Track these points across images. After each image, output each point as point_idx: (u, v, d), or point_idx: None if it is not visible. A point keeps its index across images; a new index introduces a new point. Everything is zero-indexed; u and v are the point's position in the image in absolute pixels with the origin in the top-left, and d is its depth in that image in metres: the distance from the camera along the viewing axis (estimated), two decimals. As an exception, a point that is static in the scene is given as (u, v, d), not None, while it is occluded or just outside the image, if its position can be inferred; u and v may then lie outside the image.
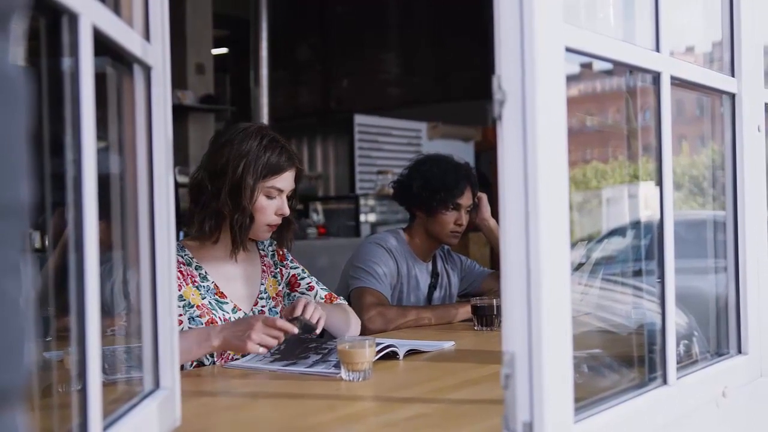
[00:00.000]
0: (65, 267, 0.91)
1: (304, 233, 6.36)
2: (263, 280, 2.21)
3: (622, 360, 1.54)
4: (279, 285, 2.24)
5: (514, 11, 1.04)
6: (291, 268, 2.29)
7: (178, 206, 2.86)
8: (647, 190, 1.48)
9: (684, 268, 1.44)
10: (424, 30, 9.31)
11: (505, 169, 1.06)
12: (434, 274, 2.88)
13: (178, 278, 2.00)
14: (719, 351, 1.67)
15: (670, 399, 1.37)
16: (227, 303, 2.10)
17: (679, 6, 1.58)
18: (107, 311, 1.32)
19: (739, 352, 1.65)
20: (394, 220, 6.92)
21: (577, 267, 1.56)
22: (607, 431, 1.20)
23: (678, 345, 1.44)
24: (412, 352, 2.02)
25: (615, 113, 1.71)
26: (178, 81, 6.68)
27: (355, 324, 2.27)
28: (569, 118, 1.11)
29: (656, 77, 1.39)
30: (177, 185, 2.94)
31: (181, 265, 2.05)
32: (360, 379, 1.70)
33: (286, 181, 2.09)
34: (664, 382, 1.38)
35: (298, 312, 1.95)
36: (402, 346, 2.01)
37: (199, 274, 2.09)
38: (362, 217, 7.23)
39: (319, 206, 7.36)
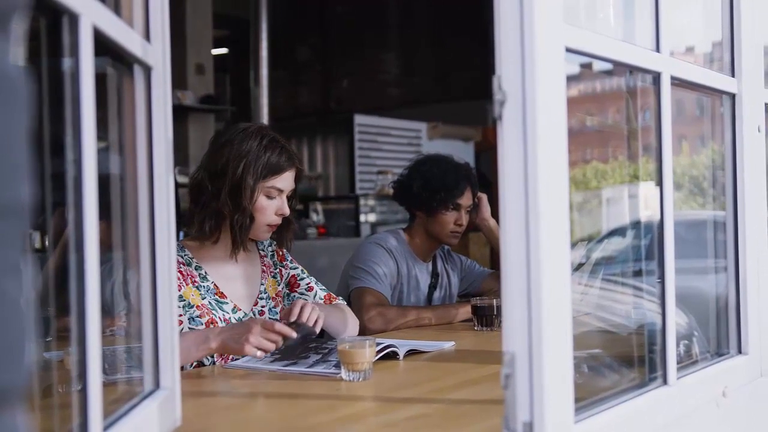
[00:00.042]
0: (65, 267, 0.91)
1: (304, 233, 6.36)
2: (263, 281, 2.21)
3: (622, 360, 1.54)
4: (279, 285, 2.24)
5: (514, 11, 1.04)
6: (291, 268, 2.29)
7: (178, 206, 2.86)
8: (647, 190, 1.48)
9: (684, 268, 1.44)
10: (424, 30, 9.32)
11: (505, 169, 1.06)
12: (434, 275, 2.88)
13: (178, 278, 2.00)
14: (719, 351, 1.67)
15: (671, 399, 1.37)
16: (227, 303, 2.10)
17: (679, 6, 1.58)
18: (107, 311, 1.32)
19: (739, 352, 1.65)
20: (394, 220, 6.92)
21: (577, 267, 1.56)
22: (608, 431, 1.20)
23: (678, 345, 1.44)
24: (412, 352, 2.02)
25: (615, 113, 1.71)
26: (178, 81, 6.68)
27: (352, 324, 2.27)
28: (569, 118, 1.11)
29: (656, 77, 1.39)
30: (177, 185, 2.94)
31: (181, 265, 2.05)
32: (360, 379, 1.70)
33: (286, 181, 2.09)
34: (665, 382, 1.38)
35: (295, 314, 1.95)
36: (402, 346, 2.01)
37: (199, 274, 2.09)
38: (362, 217, 7.23)
39: (319, 206, 7.36)
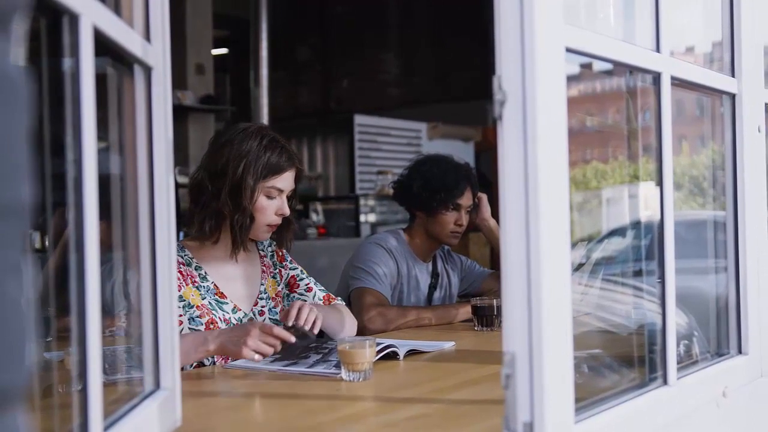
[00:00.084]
0: (66, 267, 0.91)
1: (304, 233, 6.36)
2: (263, 281, 2.21)
3: (623, 360, 1.54)
4: (278, 285, 2.24)
5: (515, 11, 1.04)
6: (290, 268, 2.29)
7: (178, 206, 2.86)
8: (647, 190, 1.48)
9: (684, 268, 1.44)
10: (424, 30, 9.32)
11: (505, 169, 1.06)
12: (434, 275, 2.88)
13: (178, 278, 2.00)
14: (719, 351, 1.67)
15: (671, 399, 1.38)
16: (227, 303, 2.10)
17: (679, 6, 1.58)
18: (107, 311, 1.32)
19: (740, 352, 1.65)
20: (394, 221, 6.92)
21: (578, 267, 1.56)
22: (608, 431, 1.20)
23: (678, 345, 1.44)
24: (412, 353, 2.02)
25: (615, 113, 1.71)
26: (178, 81, 6.68)
27: (350, 325, 2.26)
28: (569, 118, 1.11)
29: (656, 77, 1.39)
30: (177, 185, 2.94)
31: (181, 266, 2.05)
32: (360, 380, 1.70)
33: (286, 181, 2.09)
34: (665, 382, 1.38)
35: (292, 316, 1.95)
36: (402, 346, 2.01)
37: (199, 274, 2.09)
38: (362, 218, 7.23)
39: (319, 206, 7.36)
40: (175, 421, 1.28)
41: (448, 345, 2.17)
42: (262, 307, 2.17)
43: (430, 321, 2.60)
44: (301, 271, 2.31)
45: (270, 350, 1.79)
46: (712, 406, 1.52)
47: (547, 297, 1.04)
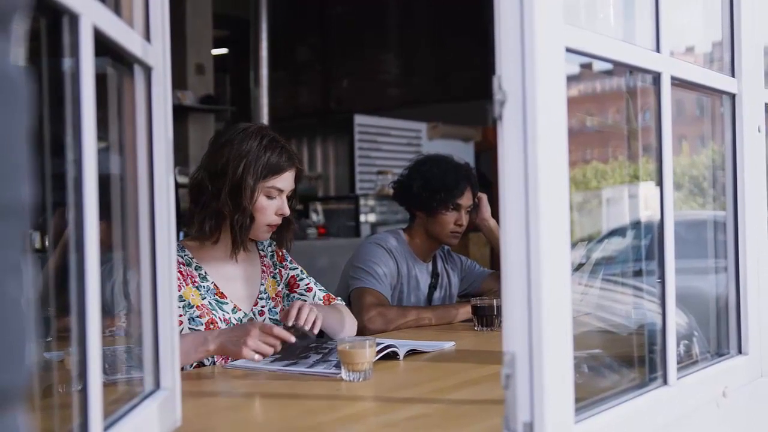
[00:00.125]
0: (66, 267, 0.91)
1: (304, 233, 6.36)
2: (263, 281, 2.21)
3: (623, 360, 1.54)
4: (278, 285, 2.25)
5: (515, 11, 1.04)
6: (290, 269, 2.29)
7: (178, 206, 2.86)
8: (647, 190, 1.48)
9: (684, 268, 1.44)
10: (424, 30, 9.32)
11: (505, 169, 1.06)
12: (434, 275, 2.88)
13: (178, 279, 2.00)
14: (719, 351, 1.67)
15: (671, 399, 1.38)
16: (227, 303, 2.10)
17: (679, 6, 1.58)
18: (107, 311, 1.32)
19: (740, 352, 1.65)
20: (394, 221, 6.92)
21: (578, 267, 1.56)
22: (608, 431, 1.20)
23: (678, 345, 1.44)
24: (412, 353, 2.02)
25: (615, 113, 1.71)
26: (178, 81, 6.68)
27: (349, 325, 2.26)
28: (569, 118, 1.11)
29: (656, 77, 1.39)
30: (177, 185, 2.94)
31: (181, 266, 2.05)
32: (360, 380, 1.70)
33: (286, 181, 2.10)
34: (665, 382, 1.38)
35: (292, 316, 1.96)
36: (402, 346, 2.01)
37: (199, 274, 2.09)
38: (362, 218, 7.23)
39: (319, 206, 7.36)
40: (175, 421, 1.28)
41: (448, 345, 2.17)
42: (262, 307, 2.17)
43: (430, 321, 2.60)
44: (301, 271, 2.31)
45: (270, 350, 1.79)
46: (712, 406, 1.52)
47: (547, 297, 1.04)
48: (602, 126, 1.70)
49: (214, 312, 2.05)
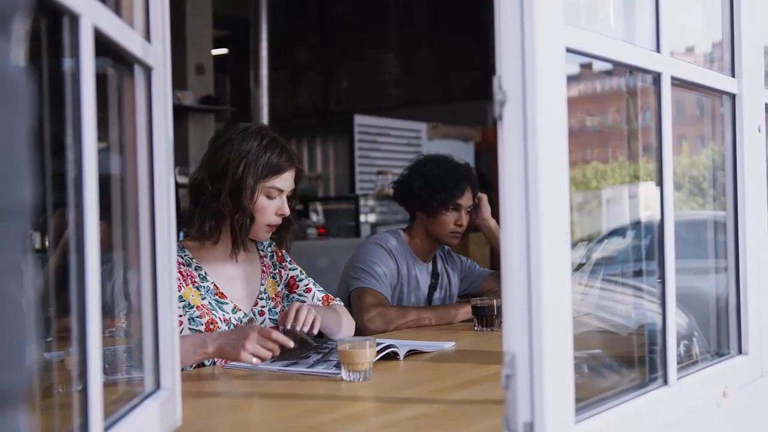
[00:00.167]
0: (66, 267, 0.91)
1: (304, 234, 6.36)
2: (263, 281, 2.21)
3: (623, 360, 1.54)
4: (278, 286, 2.25)
5: (515, 12, 1.04)
6: (290, 269, 2.29)
7: (178, 207, 2.86)
8: (647, 190, 1.48)
9: (684, 268, 1.44)
10: (424, 30, 9.32)
11: (505, 170, 1.06)
12: (434, 275, 2.88)
13: (178, 279, 2.00)
14: (720, 351, 1.67)
15: (671, 399, 1.38)
16: (227, 303, 2.10)
17: (680, 6, 1.58)
18: (108, 312, 1.32)
19: (740, 352, 1.65)
20: (394, 221, 6.92)
21: (578, 267, 1.56)
22: (608, 431, 1.21)
23: (678, 345, 1.44)
24: (412, 353, 2.02)
25: (615, 114, 1.71)
26: (178, 81, 6.68)
27: (347, 325, 2.26)
28: (569, 118, 1.11)
29: (656, 78, 1.39)
30: (177, 186, 2.94)
31: (181, 266, 2.05)
32: (360, 380, 1.70)
33: (286, 181, 2.10)
34: (665, 382, 1.38)
35: (290, 318, 1.96)
36: (402, 346, 2.01)
37: (199, 274, 2.09)
38: (362, 218, 7.23)
39: (319, 206, 7.36)
40: (176, 421, 1.28)
41: (449, 345, 2.17)
42: (262, 307, 2.17)
43: (430, 321, 2.60)
44: (301, 271, 2.31)
45: (268, 354, 1.78)
46: (712, 406, 1.52)
47: (547, 297, 1.04)
48: (602, 126, 1.70)
49: (214, 312, 2.05)
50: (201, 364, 1.98)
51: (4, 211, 0.59)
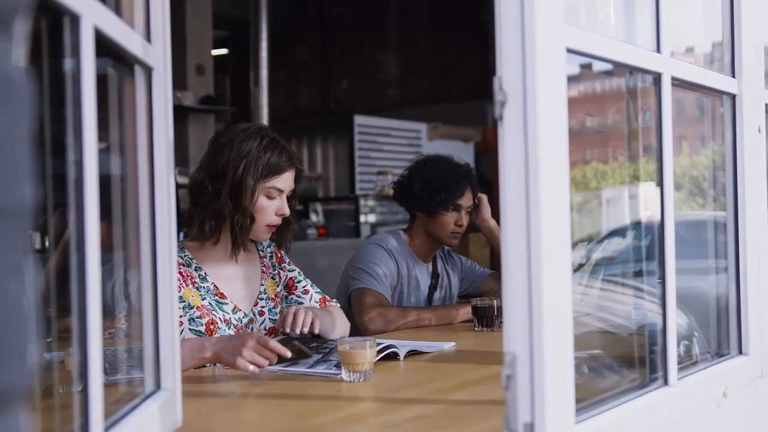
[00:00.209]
0: (66, 268, 0.91)
1: (303, 234, 6.35)
2: (263, 281, 2.21)
3: (623, 361, 1.54)
4: (277, 287, 2.25)
5: (515, 12, 1.04)
6: (288, 270, 2.29)
7: (178, 207, 2.86)
8: (647, 190, 1.48)
9: (684, 268, 1.44)
10: (424, 30, 9.31)
11: (505, 170, 1.06)
12: (434, 275, 2.88)
13: (178, 279, 2.00)
14: (720, 351, 1.67)
15: (671, 400, 1.38)
16: (227, 304, 2.10)
17: (680, 6, 1.58)
18: (108, 312, 1.32)
19: (740, 352, 1.65)
20: (394, 221, 6.92)
21: (578, 268, 1.56)
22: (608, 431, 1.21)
23: (678, 345, 1.44)
24: (412, 353, 2.02)
25: (615, 114, 1.71)
26: (178, 82, 6.68)
27: (341, 326, 2.25)
28: (569, 118, 1.11)
29: (657, 78, 1.39)
30: (177, 186, 2.95)
31: (181, 266, 2.05)
32: (361, 380, 1.70)
33: (286, 181, 2.10)
34: (665, 382, 1.38)
35: (289, 322, 1.97)
36: (403, 346, 2.01)
37: (199, 275, 2.09)
38: (362, 218, 7.23)
39: (319, 207, 7.36)
40: (176, 421, 1.28)
41: (449, 345, 2.17)
42: (262, 307, 2.17)
43: (430, 321, 2.60)
44: (299, 273, 2.31)
45: (265, 362, 1.77)
46: (712, 406, 1.52)
47: (547, 297, 1.04)
48: (602, 126, 1.70)
49: (214, 312, 2.05)
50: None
51: (5, 212, 0.59)
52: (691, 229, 1.72)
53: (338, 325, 2.24)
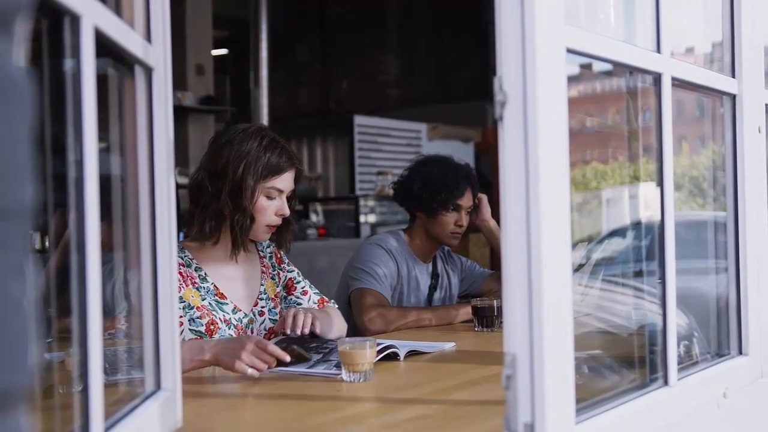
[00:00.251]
0: (66, 268, 0.91)
1: (303, 234, 6.35)
2: (263, 281, 2.21)
3: (623, 361, 1.54)
4: (277, 287, 2.25)
5: (515, 12, 1.04)
6: (288, 271, 2.29)
7: (178, 207, 2.86)
8: (647, 190, 1.48)
9: (684, 268, 1.44)
10: (423, 30, 9.32)
11: (506, 170, 1.06)
12: (434, 275, 2.88)
13: (178, 280, 2.00)
14: (720, 352, 1.67)
15: (671, 400, 1.38)
16: (227, 304, 2.10)
17: (680, 6, 1.58)
18: (108, 312, 1.32)
19: (740, 353, 1.65)
20: (394, 221, 6.92)
21: (578, 268, 1.56)
22: (608, 432, 1.21)
23: (678, 346, 1.44)
24: (412, 353, 2.02)
25: (615, 114, 1.71)
26: (178, 82, 6.68)
27: (338, 327, 2.24)
28: (569, 118, 1.11)
29: (657, 78, 1.39)
30: (177, 186, 2.95)
31: (181, 267, 2.05)
32: (361, 380, 1.70)
33: (286, 181, 2.10)
34: (665, 383, 1.38)
35: (288, 324, 1.97)
36: (403, 347, 2.01)
37: (199, 275, 2.09)
38: (362, 218, 7.23)
39: (319, 207, 7.36)
40: (176, 421, 1.28)
41: (449, 346, 2.17)
42: (262, 307, 2.17)
43: (430, 322, 2.60)
44: (298, 273, 2.31)
45: (264, 366, 1.76)
46: (712, 407, 1.52)
47: (547, 298, 1.04)
48: (602, 126, 1.71)
49: (214, 313, 2.05)
50: (201, 365, 1.98)
51: (5, 212, 0.59)
52: (691, 229, 1.72)
53: (335, 326, 2.24)
